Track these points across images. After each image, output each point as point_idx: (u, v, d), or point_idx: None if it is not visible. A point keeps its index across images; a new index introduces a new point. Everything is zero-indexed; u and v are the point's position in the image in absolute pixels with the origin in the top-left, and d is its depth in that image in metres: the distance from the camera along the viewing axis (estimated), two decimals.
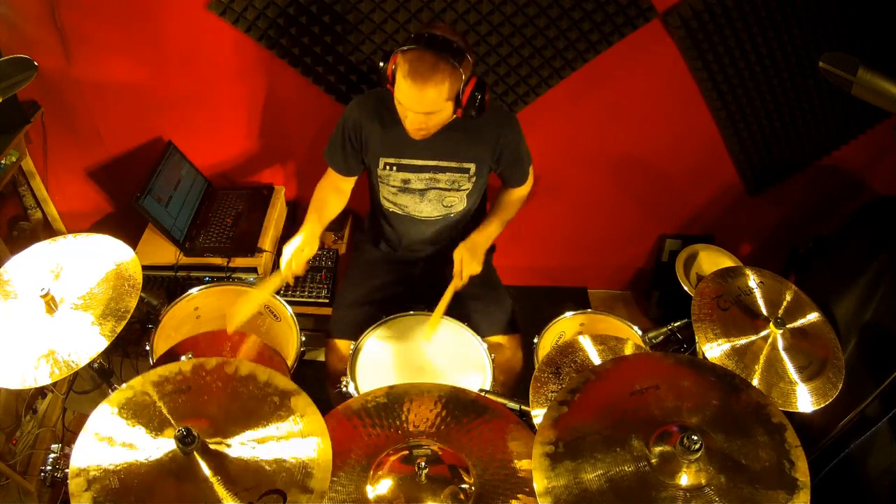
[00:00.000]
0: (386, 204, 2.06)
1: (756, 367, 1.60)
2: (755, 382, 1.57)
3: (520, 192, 2.11)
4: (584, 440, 1.16)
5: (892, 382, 1.52)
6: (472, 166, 1.94)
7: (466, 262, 1.90)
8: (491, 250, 2.31)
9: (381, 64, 1.74)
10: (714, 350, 1.62)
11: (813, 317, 1.72)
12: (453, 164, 1.93)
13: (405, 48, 1.65)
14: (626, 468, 1.12)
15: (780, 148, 2.68)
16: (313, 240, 1.87)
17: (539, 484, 1.11)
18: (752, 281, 1.77)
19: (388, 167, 1.95)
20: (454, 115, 1.76)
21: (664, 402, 1.21)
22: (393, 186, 1.99)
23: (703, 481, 1.09)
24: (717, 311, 1.69)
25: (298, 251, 1.82)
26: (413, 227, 2.09)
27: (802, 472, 1.11)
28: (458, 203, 2.03)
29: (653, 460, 1.12)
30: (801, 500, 1.08)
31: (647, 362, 1.36)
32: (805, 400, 1.57)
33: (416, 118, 1.72)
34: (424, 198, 2.00)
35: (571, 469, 1.12)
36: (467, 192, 2.00)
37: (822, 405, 1.57)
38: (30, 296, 1.52)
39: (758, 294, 1.75)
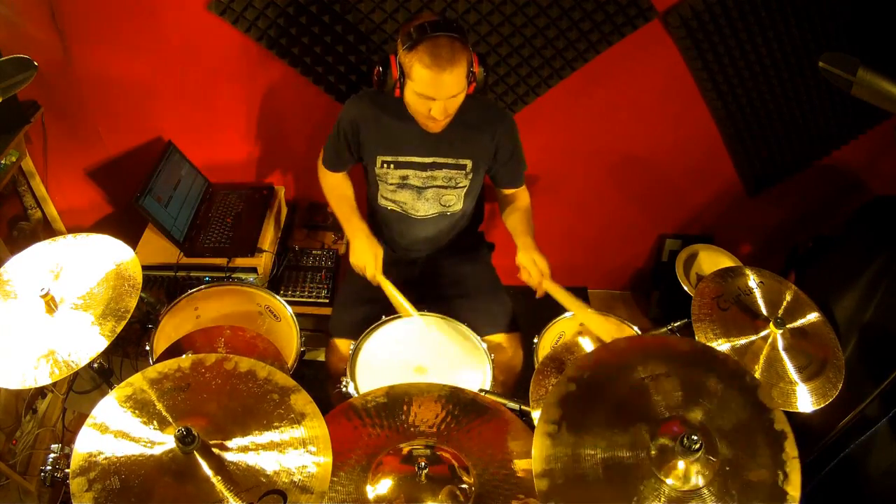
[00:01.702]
0: (383, 202, 2.06)
1: (756, 367, 1.60)
2: None
3: (526, 199, 2.12)
4: (588, 417, 1.16)
5: (892, 382, 1.52)
6: (469, 163, 1.95)
7: (537, 260, 1.88)
8: (490, 249, 2.32)
9: (380, 69, 1.75)
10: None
11: (813, 317, 1.72)
12: (450, 161, 1.94)
13: (410, 45, 1.65)
14: (623, 453, 1.12)
15: (780, 148, 2.68)
16: (369, 238, 1.96)
17: (537, 451, 1.11)
18: (752, 281, 1.77)
19: (385, 165, 1.96)
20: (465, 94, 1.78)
21: (672, 393, 1.20)
22: (391, 184, 1.99)
23: (697, 479, 1.09)
24: (717, 311, 1.69)
25: (372, 256, 1.92)
26: (410, 227, 2.09)
27: (794, 486, 1.10)
28: (456, 202, 2.03)
29: (652, 452, 1.12)
30: None
31: (662, 346, 1.34)
32: (805, 400, 1.57)
33: (443, 105, 1.72)
34: (422, 196, 2.00)
35: (572, 438, 1.12)
36: (464, 189, 2.00)
37: (822, 405, 1.57)
38: (30, 296, 1.52)
39: (758, 294, 1.75)
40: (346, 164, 2.09)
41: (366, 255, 1.93)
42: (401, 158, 1.95)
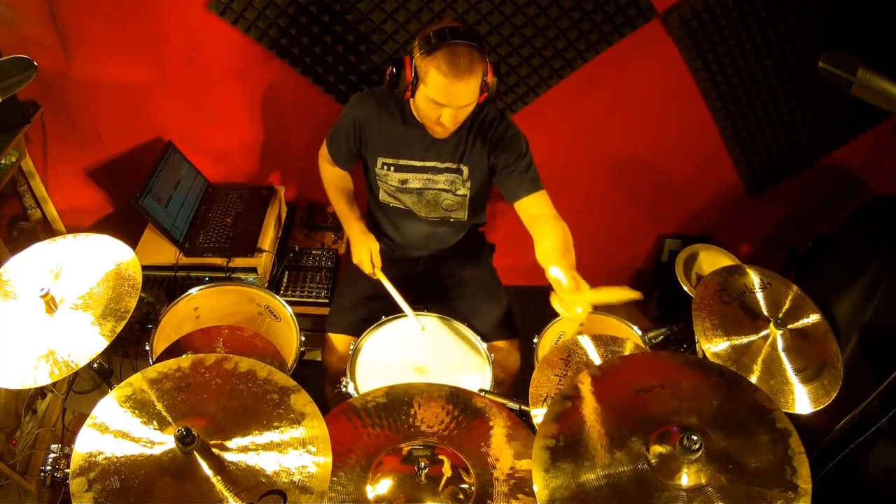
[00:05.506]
0: (385, 198, 2.06)
1: (754, 366, 1.60)
2: (753, 382, 1.57)
3: (555, 227, 1.81)
4: (585, 437, 1.16)
5: (892, 382, 1.52)
6: (467, 168, 1.93)
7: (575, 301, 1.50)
8: (491, 250, 2.31)
9: (393, 70, 1.71)
10: (713, 348, 1.62)
11: (814, 319, 1.72)
12: (451, 166, 1.93)
13: (428, 49, 1.62)
14: (624, 468, 1.12)
15: (780, 148, 2.69)
16: (364, 233, 2.00)
17: (538, 480, 1.11)
18: (759, 281, 1.77)
19: (385, 167, 1.95)
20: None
21: (667, 402, 1.21)
22: (391, 185, 1.99)
23: (703, 481, 1.09)
24: (719, 304, 1.70)
25: (367, 251, 1.96)
26: (413, 223, 2.08)
27: (804, 479, 1.10)
28: (459, 210, 2.02)
29: (652, 461, 1.12)
30: None
31: (653, 361, 1.36)
32: (802, 402, 1.57)
33: (453, 113, 1.71)
34: (422, 198, 1.99)
35: (570, 466, 1.12)
36: (466, 197, 1.99)
37: (817, 409, 1.57)
38: (30, 296, 1.52)
39: (760, 294, 1.75)
40: (349, 159, 2.04)
41: (361, 251, 1.95)
42: (401, 161, 1.94)
